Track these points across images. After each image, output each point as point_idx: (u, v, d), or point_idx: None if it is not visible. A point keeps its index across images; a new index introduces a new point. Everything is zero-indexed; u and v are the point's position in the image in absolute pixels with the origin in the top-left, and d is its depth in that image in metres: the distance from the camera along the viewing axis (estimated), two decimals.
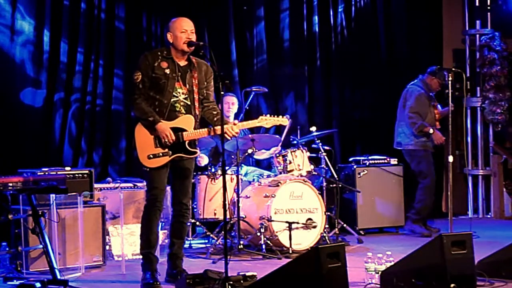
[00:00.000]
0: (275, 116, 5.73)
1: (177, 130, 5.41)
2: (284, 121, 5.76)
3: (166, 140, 5.36)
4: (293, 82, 9.24)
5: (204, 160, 7.57)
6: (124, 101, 7.88)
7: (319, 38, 9.37)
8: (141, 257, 5.59)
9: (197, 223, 7.32)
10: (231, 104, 7.67)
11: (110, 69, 7.88)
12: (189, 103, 5.47)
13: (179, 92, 5.43)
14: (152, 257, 5.54)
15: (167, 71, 5.41)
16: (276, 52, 9.10)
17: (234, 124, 5.51)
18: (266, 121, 5.68)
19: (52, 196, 5.90)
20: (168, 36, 5.45)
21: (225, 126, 5.29)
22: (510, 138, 10.42)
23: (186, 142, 5.45)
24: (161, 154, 5.40)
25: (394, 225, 8.32)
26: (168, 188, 5.81)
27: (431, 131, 7.95)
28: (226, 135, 5.38)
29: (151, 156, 5.39)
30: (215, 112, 5.57)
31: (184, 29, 5.41)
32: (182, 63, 5.49)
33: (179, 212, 5.67)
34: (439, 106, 8.23)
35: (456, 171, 9.97)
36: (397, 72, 9.57)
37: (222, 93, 5.23)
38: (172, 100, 5.40)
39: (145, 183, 6.63)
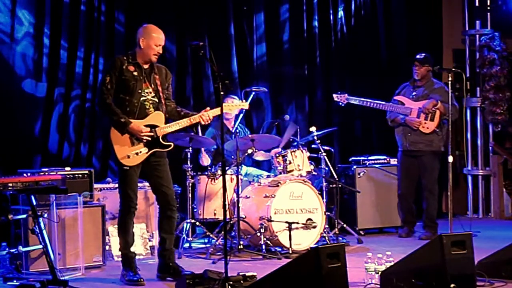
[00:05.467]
0: (242, 101, 6.39)
1: (150, 127, 5.69)
2: (244, 104, 6.27)
3: (144, 137, 5.64)
4: (293, 82, 9.24)
5: (207, 159, 7.57)
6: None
7: (319, 38, 9.38)
8: (141, 257, 5.60)
9: (197, 223, 7.31)
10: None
11: None
12: (157, 100, 5.76)
13: (146, 92, 5.72)
14: (131, 255, 5.78)
15: (135, 73, 5.69)
16: (276, 52, 9.10)
17: (206, 111, 5.82)
18: (229, 107, 6.35)
19: (52, 196, 5.90)
20: (141, 40, 5.72)
21: (198, 115, 5.78)
22: (510, 138, 10.42)
23: (160, 137, 5.73)
24: (139, 151, 5.66)
25: (394, 225, 8.31)
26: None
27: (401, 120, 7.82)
28: (201, 120, 5.79)
29: (129, 155, 5.64)
30: (178, 109, 5.93)
31: (158, 44, 5.73)
32: (146, 66, 5.77)
33: (166, 206, 5.85)
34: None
35: (456, 171, 9.97)
36: (397, 72, 9.56)
37: (222, 93, 5.27)
38: (141, 99, 5.68)
39: (144, 183, 6.69)
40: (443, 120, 7.73)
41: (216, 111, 5.83)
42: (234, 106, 6.45)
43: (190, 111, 6.02)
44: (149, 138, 5.67)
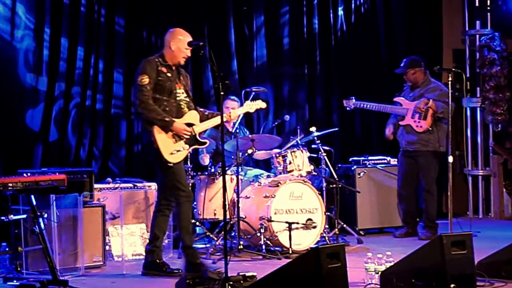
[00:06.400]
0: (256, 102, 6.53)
1: (188, 125, 5.96)
2: (262, 104, 6.54)
3: (187, 135, 5.89)
4: (293, 82, 9.24)
5: (207, 159, 7.57)
6: (124, 105, 7.92)
7: (319, 38, 9.38)
8: (141, 257, 5.61)
9: (197, 223, 7.32)
10: (231, 109, 7.69)
11: (110, 70, 7.88)
12: (188, 100, 6.05)
13: (179, 93, 5.99)
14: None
15: (168, 74, 5.93)
16: (276, 52, 9.10)
17: (230, 112, 6.30)
18: (250, 106, 6.48)
19: (52, 196, 5.90)
20: (171, 43, 5.92)
21: (224, 114, 6.01)
22: (510, 138, 10.41)
23: (197, 134, 5.99)
24: (181, 149, 5.90)
25: (394, 225, 8.31)
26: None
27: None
28: (228, 119, 6.29)
29: (174, 152, 5.86)
30: (201, 109, 6.21)
31: (188, 47, 5.92)
32: (174, 68, 6.02)
33: (164, 205, 6.06)
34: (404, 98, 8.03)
35: (456, 172, 9.96)
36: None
37: (222, 93, 5.28)
38: (177, 99, 5.95)
39: (144, 183, 6.68)
40: (436, 118, 7.75)
41: (240, 110, 6.41)
42: (254, 105, 6.51)
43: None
44: (189, 136, 5.92)
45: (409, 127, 7.85)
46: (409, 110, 7.85)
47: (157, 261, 5.98)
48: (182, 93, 5.99)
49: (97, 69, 7.75)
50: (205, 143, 6.11)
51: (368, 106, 8.00)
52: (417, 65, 7.95)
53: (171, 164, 5.84)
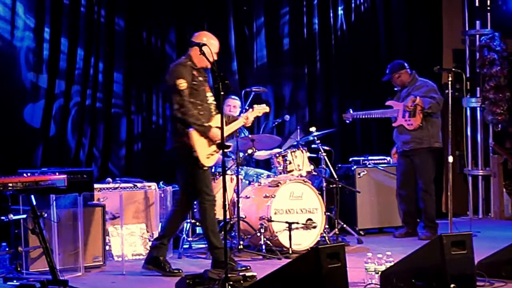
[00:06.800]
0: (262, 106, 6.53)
1: None
2: (267, 108, 6.56)
3: (219, 140, 5.91)
4: (293, 82, 9.24)
5: None
6: (124, 104, 7.92)
7: (319, 38, 9.37)
8: (141, 257, 5.61)
9: (197, 223, 7.31)
10: (233, 107, 7.73)
11: (110, 71, 7.88)
12: (215, 103, 6.08)
13: (208, 96, 6.04)
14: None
15: (200, 78, 5.98)
16: (276, 52, 9.10)
17: (247, 117, 6.35)
18: (259, 110, 6.47)
19: (52, 196, 5.90)
20: (204, 48, 5.82)
21: (242, 118, 6.29)
22: (510, 138, 10.41)
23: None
24: (214, 152, 5.98)
25: (394, 225, 8.31)
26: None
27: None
28: (245, 124, 6.40)
29: (209, 155, 5.94)
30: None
31: (216, 52, 5.95)
32: (201, 71, 6.06)
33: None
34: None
35: (456, 172, 9.96)
36: None
37: (222, 93, 5.28)
38: (208, 103, 6.01)
39: (144, 183, 6.68)
40: (425, 114, 7.77)
41: (254, 113, 6.37)
42: (262, 109, 6.50)
43: None
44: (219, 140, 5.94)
45: (402, 128, 7.91)
46: (399, 111, 7.92)
47: (160, 258, 6.00)
48: (211, 96, 6.06)
49: (97, 69, 7.74)
50: (230, 146, 6.08)
51: (364, 115, 8.14)
52: (400, 68, 8.05)
53: (206, 168, 5.92)
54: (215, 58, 5.83)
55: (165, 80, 6.01)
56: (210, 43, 5.92)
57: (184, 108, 5.82)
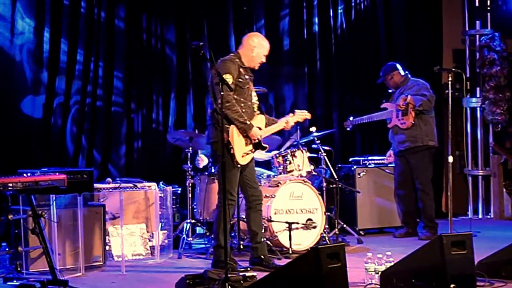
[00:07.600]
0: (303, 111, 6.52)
1: None
2: (308, 115, 6.55)
3: (259, 139, 5.98)
4: (293, 83, 9.23)
5: (203, 161, 7.57)
6: (124, 103, 7.92)
7: (319, 37, 9.37)
8: (141, 257, 5.58)
9: (197, 223, 7.31)
10: None
11: (110, 71, 7.89)
12: (258, 103, 6.14)
13: (253, 95, 6.08)
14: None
15: (246, 77, 6.00)
16: (276, 53, 9.07)
17: (287, 121, 6.29)
18: (300, 115, 6.45)
19: (52, 196, 5.90)
20: (252, 48, 6.01)
21: (283, 122, 6.25)
22: (510, 138, 10.41)
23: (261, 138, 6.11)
24: (250, 151, 5.99)
25: (394, 225, 8.31)
26: None
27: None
28: (285, 128, 6.33)
29: (244, 154, 5.95)
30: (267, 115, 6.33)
31: (266, 54, 6.07)
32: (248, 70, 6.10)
33: (256, 201, 6.16)
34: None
35: (456, 172, 9.96)
36: None
37: (222, 93, 5.29)
38: (251, 102, 6.03)
39: (144, 183, 6.67)
40: (417, 112, 7.77)
41: (295, 118, 6.34)
42: (304, 115, 6.49)
43: None
44: (257, 140, 6.00)
45: (396, 128, 7.93)
46: (393, 112, 7.94)
47: (262, 256, 6.07)
48: (255, 95, 6.09)
49: (97, 69, 7.75)
50: (266, 147, 6.15)
51: (363, 120, 8.19)
52: (392, 70, 8.08)
53: (239, 166, 5.91)
54: (264, 61, 6.04)
55: (212, 74, 5.91)
56: (260, 44, 6.02)
57: (230, 103, 5.81)
